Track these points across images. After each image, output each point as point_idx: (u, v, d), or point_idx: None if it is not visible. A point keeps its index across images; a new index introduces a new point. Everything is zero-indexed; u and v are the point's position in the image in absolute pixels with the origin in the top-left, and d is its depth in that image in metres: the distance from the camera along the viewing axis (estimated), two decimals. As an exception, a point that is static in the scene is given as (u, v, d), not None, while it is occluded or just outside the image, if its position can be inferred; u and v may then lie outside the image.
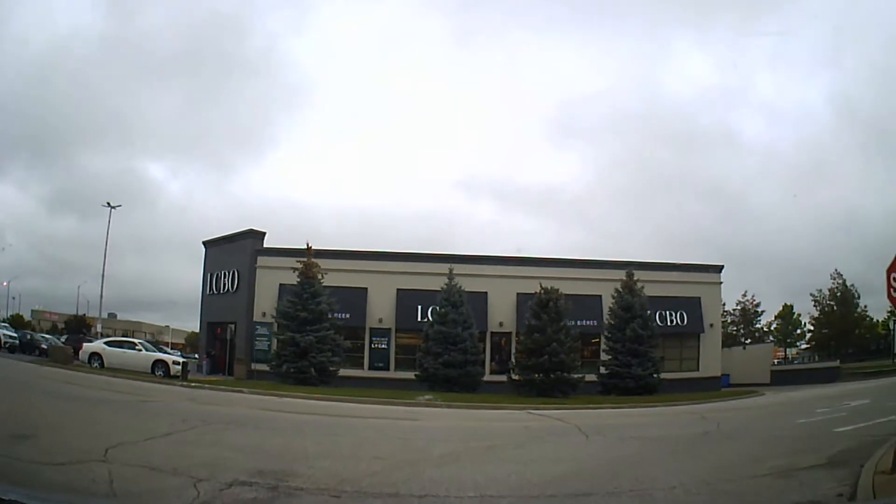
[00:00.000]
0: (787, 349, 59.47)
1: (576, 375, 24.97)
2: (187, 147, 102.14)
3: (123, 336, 36.62)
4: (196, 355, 37.48)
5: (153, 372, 23.43)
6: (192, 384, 20.36)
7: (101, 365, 24.29)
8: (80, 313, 66.45)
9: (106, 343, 26.03)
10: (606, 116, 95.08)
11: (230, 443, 8.43)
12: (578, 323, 27.60)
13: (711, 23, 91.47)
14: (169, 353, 29.23)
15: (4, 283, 65.29)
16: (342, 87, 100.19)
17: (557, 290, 25.23)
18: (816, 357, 53.79)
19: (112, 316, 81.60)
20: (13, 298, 70.71)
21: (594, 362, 29.21)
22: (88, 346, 26.21)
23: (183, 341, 76.95)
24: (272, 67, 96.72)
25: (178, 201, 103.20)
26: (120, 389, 16.18)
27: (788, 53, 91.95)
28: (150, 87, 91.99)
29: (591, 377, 26.81)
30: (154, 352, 25.83)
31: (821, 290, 52.81)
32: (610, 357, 27.43)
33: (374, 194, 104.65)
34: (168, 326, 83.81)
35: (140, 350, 25.07)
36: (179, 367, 23.53)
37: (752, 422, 13.90)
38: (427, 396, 21.40)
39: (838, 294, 51.66)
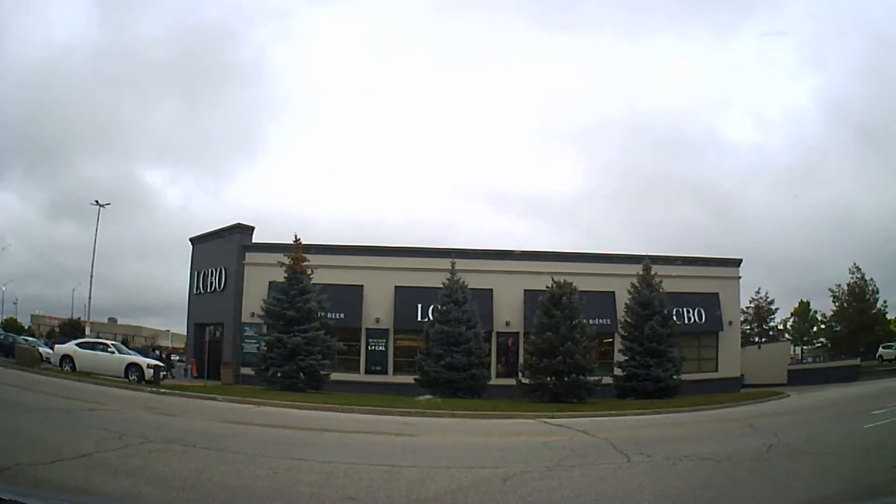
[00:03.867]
0: (803, 347, 57.38)
1: (592, 378, 22.71)
2: (185, 153, 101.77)
3: (123, 340, 34.87)
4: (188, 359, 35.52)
5: (127, 376, 21.52)
6: (163, 390, 18.23)
7: (73, 368, 22.37)
8: (76, 317, 64.87)
9: (77, 345, 24.03)
10: (597, 119, 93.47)
11: (158, 470, 6.34)
12: (591, 321, 25.39)
13: (713, 23, 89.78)
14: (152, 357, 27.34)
15: (2, 287, 64.16)
16: (334, 94, 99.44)
17: (571, 283, 23.02)
18: (823, 357, 51.88)
19: (112, 320, 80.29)
20: (14, 303, 69.94)
21: (608, 363, 27.07)
22: (60, 348, 24.36)
23: (183, 345, 75.20)
24: (264, 75, 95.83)
25: (175, 207, 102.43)
26: (73, 395, 14.13)
27: (776, 55, 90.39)
28: (146, 95, 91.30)
29: (606, 380, 24.63)
30: (128, 354, 23.80)
31: (839, 285, 50.84)
32: (627, 357, 25.20)
33: (370, 199, 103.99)
34: (168, 331, 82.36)
35: (113, 352, 23.02)
36: (153, 371, 21.46)
37: (811, 429, 11.73)
38: (426, 397, 19.48)
39: (857, 290, 49.73)
